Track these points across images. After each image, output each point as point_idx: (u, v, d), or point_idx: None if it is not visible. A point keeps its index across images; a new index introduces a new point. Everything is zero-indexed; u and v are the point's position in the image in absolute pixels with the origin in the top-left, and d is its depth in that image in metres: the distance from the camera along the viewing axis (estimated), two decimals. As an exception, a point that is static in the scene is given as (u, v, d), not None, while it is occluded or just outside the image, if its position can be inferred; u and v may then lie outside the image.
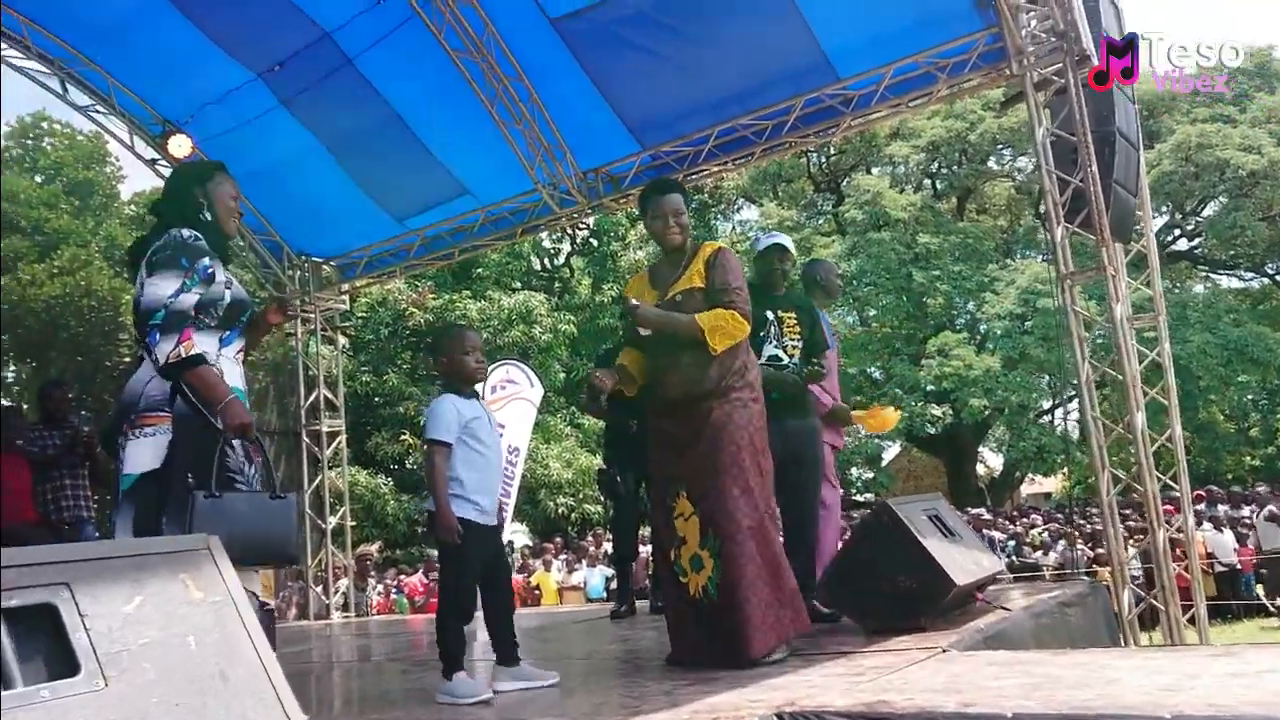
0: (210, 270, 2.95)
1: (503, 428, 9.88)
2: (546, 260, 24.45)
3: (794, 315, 4.60)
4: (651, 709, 2.69)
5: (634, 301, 3.54)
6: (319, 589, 9.48)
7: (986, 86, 6.96)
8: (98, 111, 8.22)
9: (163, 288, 2.83)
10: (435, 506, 3.24)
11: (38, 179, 23.05)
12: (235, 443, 2.88)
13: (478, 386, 3.70)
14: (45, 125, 24.04)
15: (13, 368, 22.44)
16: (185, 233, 2.96)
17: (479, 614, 3.41)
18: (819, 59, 6.98)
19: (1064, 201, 6.33)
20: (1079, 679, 2.53)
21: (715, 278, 3.59)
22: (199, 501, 2.66)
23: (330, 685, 4.55)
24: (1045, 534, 14.90)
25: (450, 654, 3.26)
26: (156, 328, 2.79)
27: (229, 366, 2.98)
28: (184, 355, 2.78)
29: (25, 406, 20.13)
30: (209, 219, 3.08)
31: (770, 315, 4.53)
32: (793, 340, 4.55)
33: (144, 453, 2.83)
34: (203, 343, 2.91)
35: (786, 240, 4.90)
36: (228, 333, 3.02)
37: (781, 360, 4.52)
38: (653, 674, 3.39)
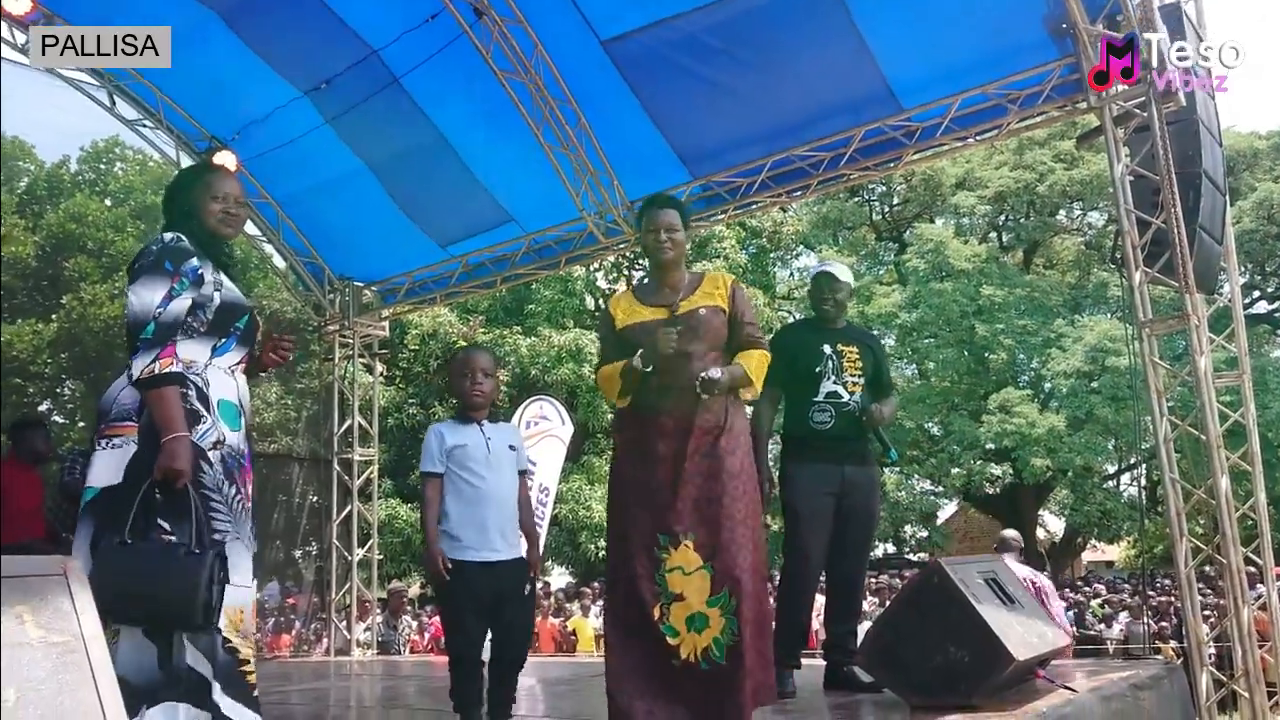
0: (199, 271, 2.70)
1: (534, 464, 9.55)
2: (602, 300, 24.26)
3: (855, 350, 4.32)
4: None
5: (717, 374, 3.11)
6: (342, 623, 9.15)
7: (1061, 119, 6.53)
8: (145, 126, 8.14)
9: (149, 296, 2.59)
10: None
11: (107, 202, 23.49)
12: (213, 457, 2.60)
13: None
14: (118, 150, 24.58)
15: (70, 384, 22.77)
16: (168, 236, 2.73)
17: None
18: (881, 89, 6.62)
19: (1143, 245, 5.87)
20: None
21: (740, 310, 3.34)
22: (102, 547, 2.39)
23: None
24: (1107, 606, 14.12)
25: (456, 703, 3.03)
26: (145, 342, 2.54)
27: (220, 378, 2.71)
28: (156, 372, 2.53)
29: (81, 424, 20.46)
30: (198, 223, 2.83)
31: (828, 349, 4.27)
32: (854, 376, 4.26)
33: (108, 465, 2.56)
34: (192, 351, 2.65)
35: (837, 268, 4.55)
36: (222, 340, 2.74)
37: (842, 397, 4.21)
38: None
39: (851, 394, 4.23)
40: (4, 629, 1.21)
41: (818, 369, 4.23)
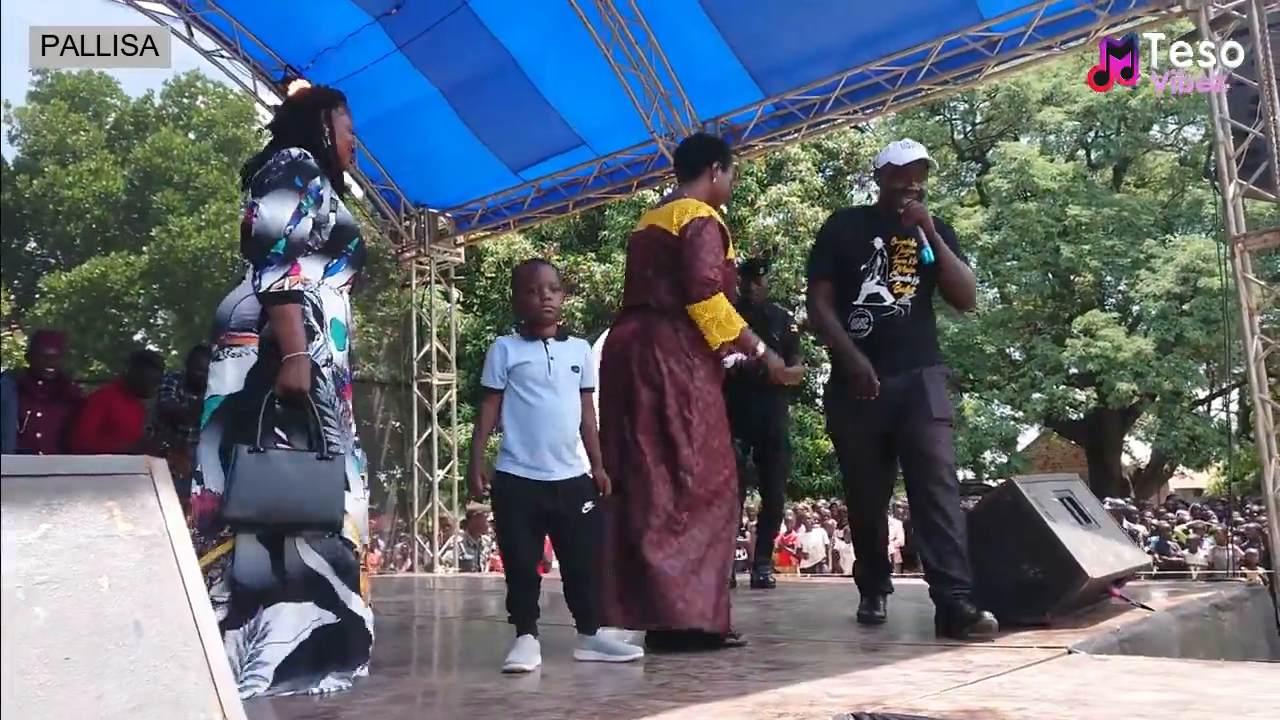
0: (321, 191, 2.75)
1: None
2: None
3: (914, 243, 3.55)
4: (715, 694, 2.35)
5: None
6: (425, 542, 9.45)
7: (1154, 25, 6.20)
8: (222, 56, 8.24)
9: (280, 211, 2.64)
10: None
11: (190, 135, 23.98)
12: (326, 373, 2.69)
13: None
14: (199, 84, 25.01)
15: (162, 314, 23.56)
16: (294, 151, 2.75)
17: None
18: (963, -4, 6.38)
19: (1239, 156, 5.61)
20: (1240, 701, 2.06)
21: None
22: (242, 456, 2.48)
23: (404, 639, 4.37)
24: (1192, 531, 13.81)
25: (512, 617, 3.01)
26: (277, 257, 2.61)
27: (330, 297, 2.78)
28: (286, 289, 2.60)
29: (174, 352, 21.23)
30: (329, 145, 2.88)
31: (879, 243, 3.59)
32: (904, 275, 3.57)
33: (231, 373, 2.65)
34: (308, 269, 2.72)
35: (924, 151, 3.71)
36: (334, 261, 2.80)
37: (883, 301, 3.56)
38: (731, 655, 3.03)
39: (898, 297, 3.56)
40: (95, 521, 1.28)
41: (862, 267, 3.59)
